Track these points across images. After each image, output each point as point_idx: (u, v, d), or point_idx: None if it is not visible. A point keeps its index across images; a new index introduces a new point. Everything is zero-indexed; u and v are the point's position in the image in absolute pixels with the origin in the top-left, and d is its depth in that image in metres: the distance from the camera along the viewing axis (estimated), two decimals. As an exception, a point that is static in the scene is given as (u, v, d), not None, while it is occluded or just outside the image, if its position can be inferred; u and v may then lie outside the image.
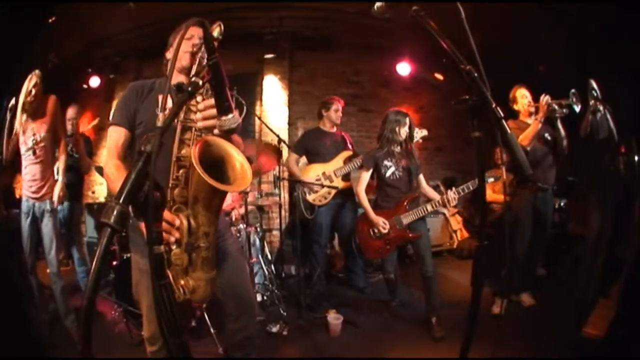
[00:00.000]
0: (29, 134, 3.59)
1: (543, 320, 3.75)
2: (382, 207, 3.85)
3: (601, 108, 3.69)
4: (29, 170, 3.61)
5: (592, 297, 3.84)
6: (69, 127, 4.51)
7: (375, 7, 1.70)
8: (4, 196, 4.54)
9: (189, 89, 1.29)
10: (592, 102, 3.71)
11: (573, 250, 4.73)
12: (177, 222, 1.65)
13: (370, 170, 3.88)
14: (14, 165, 3.70)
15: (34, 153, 3.58)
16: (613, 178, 3.88)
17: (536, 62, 5.29)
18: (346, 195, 4.58)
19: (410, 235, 3.74)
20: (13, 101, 3.48)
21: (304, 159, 4.86)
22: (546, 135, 3.91)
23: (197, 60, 1.89)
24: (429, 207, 3.70)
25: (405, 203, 3.74)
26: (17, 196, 3.77)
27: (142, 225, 1.67)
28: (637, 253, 3.53)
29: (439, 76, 6.00)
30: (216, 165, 1.72)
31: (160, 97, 1.99)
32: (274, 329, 3.60)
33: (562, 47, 4.79)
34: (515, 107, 4.07)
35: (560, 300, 4.15)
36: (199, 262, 1.73)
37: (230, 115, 1.51)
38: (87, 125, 4.89)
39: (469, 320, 1.53)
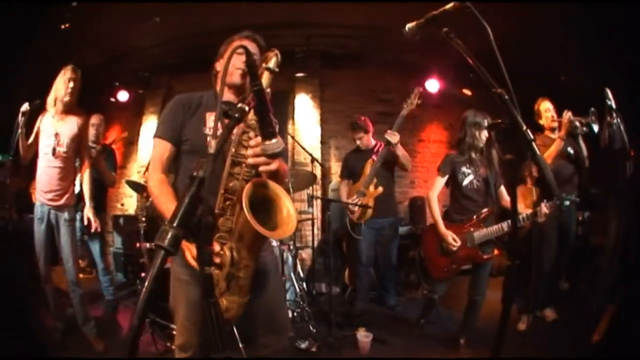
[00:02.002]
0: (50, 131, 3.50)
1: (564, 333, 3.79)
2: (454, 220, 3.47)
3: (616, 117, 3.67)
4: (46, 174, 3.50)
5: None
6: (92, 132, 4.47)
7: (407, 28, 1.72)
8: (18, 200, 4.63)
9: (236, 115, 1.30)
10: (608, 112, 3.71)
11: (594, 262, 4.70)
12: (217, 248, 1.67)
13: (446, 177, 3.49)
14: (31, 168, 3.62)
15: (54, 153, 3.47)
16: (627, 185, 3.86)
17: (558, 72, 5.25)
18: (391, 217, 4.52)
19: (483, 256, 3.36)
20: (26, 106, 3.40)
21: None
22: (569, 149, 3.93)
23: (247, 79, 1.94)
24: (505, 227, 3.25)
25: (480, 218, 3.36)
26: (34, 201, 3.64)
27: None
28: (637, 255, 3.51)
29: (467, 92, 5.98)
30: (264, 205, 1.75)
31: (207, 115, 2.03)
32: (303, 345, 3.61)
33: (581, 55, 4.76)
34: (540, 121, 4.09)
35: (582, 313, 4.10)
36: (236, 288, 1.75)
37: (274, 140, 1.53)
38: (114, 138, 4.96)
39: (497, 338, 1.54)
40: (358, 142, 4.57)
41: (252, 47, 2.02)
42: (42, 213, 3.49)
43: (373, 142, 4.59)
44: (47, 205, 3.49)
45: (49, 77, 3.58)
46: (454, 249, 3.36)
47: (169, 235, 1.03)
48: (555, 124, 3.97)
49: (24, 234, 3.70)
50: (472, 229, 3.37)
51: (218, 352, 1.30)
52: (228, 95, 2.06)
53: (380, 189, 4.34)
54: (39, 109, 3.53)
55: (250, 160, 1.67)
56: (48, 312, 3.71)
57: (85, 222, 3.71)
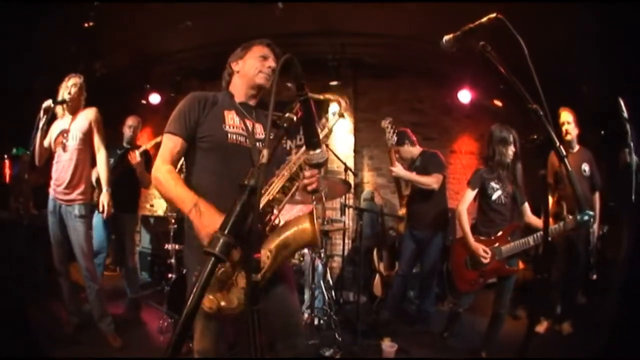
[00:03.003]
0: (61, 130, 3.58)
1: (576, 345, 3.85)
2: (482, 234, 3.51)
3: (629, 129, 3.62)
4: (57, 169, 3.56)
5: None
6: (129, 134, 4.65)
7: (444, 41, 1.73)
8: (38, 195, 4.71)
9: (284, 125, 1.33)
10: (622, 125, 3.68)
11: (609, 275, 4.64)
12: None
13: (476, 191, 3.55)
14: (49, 165, 3.66)
15: (64, 147, 3.53)
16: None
17: (578, 82, 5.14)
18: (430, 231, 4.44)
19: (508, 268, 3.42)
20: (49, 102, 3.41)
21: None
22: (584, 166, 3.97)
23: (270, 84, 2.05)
24: (531, 241, 3.32)
25: (507, 232, 3.44)
26: None
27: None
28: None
29: (498, 102, 5.91)
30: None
31: (225, 113, 2.07)
32: (327, 353, 3.61)
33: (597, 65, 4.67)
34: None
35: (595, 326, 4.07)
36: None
37: (318, 150, 1.55)
38: (146, 141, 5.03)
39: (523, 343, 1.60)
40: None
41: (271, 54, 2.18)
42: (53, 207, 3.56)
43: (416, 150, 4.57)
44: (58, 200, 3.54)
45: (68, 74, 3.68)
46: (485, 261, 3.39)
47: (220, 242, 1.06)
48: (569, 137, 4.04)
49: (41, 228, 3.70)
50: (499, 243, 3.42)
51: (259, 356, 1.31)
52: (242, 97, 2.18)
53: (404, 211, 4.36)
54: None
55: (306, 181, 1.81)
56: (62, 307, 3.77)
57: (100, 208, 3.68)
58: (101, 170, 3.73)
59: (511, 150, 3.45)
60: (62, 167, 3.55)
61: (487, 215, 3.54)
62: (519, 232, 3.53)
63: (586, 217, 3.29)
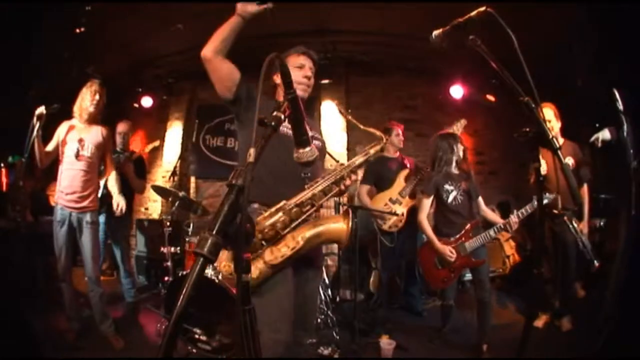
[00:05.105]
0: (74, 137, 3.59)
1: (574, 341, 3.85)
2: (445, 234, 3.70)
3: (624, 121, 3.61)
4: (68, 177, 3.58)
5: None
6: (119, 140, 4.64)
7: (433, 36, 1.72)
8: (34, 202, 4.69)
9: (272, 123, 1.32)
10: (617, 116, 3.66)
11: (606, 268, 4.64)
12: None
13: (432, 197, 3.75)
14: (49, 172, 3.70)
15: (77, 156, 3.57)
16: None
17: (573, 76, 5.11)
18: (408, 225, 4.54)
19: (474, 261, 3.62)
20: (42, 109, 3.35)
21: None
22: (569, 159, 3.96)
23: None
24: (492, 233, 3.58)
25: (468, 229, 3.62)
26: (53, 203, 3.75)
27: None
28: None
29: (491, 97, 5.90)
30: None
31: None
32: (326, 352, 3.60)
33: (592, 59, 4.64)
34: None
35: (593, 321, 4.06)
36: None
37: (307, 148, 1.55)
38: (140, 145, 5.01)
39: (522, 339, 1.60)
40: (396, 142, 4.67)
41: (307, 62, 2.28)
42: (62, 216, 3.57)
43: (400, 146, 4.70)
44: (68, 209, 3.56)
45: (65, 81, 3.69)
46: (452, 260, 3.60)
47: (209, 243, 1.04)
48: (552, 133, 3.91)
49: (39, 236, 3.76)
50: (463, 240, 3.64)
51: (253, 357, 1.30)
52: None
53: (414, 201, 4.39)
54: (57, 113, 3.56)
55: (348, 182, 2.01)
56: (62, 313, 3.78)
57: (115, 206, 3.83)
58: (112, 181, 3.91)
59: (460, 146, 3.75)
60: (74, 175, 3.58)
61: (446, 218, 3.74)
62: (480, 227, 3.74)
63: (545, 201, 3.50)
